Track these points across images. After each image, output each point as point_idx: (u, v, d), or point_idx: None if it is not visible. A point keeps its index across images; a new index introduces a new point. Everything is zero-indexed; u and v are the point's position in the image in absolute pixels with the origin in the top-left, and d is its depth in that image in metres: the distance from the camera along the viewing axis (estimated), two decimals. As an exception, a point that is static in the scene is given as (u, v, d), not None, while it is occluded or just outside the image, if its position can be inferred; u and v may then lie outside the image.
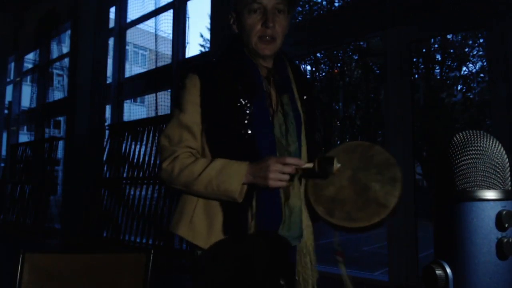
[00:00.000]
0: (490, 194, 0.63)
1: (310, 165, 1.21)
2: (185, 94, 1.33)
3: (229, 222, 1.25)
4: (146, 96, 5.90)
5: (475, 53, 15.35)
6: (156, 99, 5.06)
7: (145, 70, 6.24)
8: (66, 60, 5.63)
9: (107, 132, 5.12)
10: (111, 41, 5.36)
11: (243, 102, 1.30)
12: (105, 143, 5.03)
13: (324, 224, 1.25)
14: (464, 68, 16.85)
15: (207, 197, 1.27)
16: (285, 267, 1.30)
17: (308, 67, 18.36)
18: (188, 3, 4.62)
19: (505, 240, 0.61)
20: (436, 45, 15.44)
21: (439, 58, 15.77)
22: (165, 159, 1.31)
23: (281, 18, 1.34)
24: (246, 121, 1.30)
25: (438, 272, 0.63)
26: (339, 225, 1.19)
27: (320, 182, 1.25)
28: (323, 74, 18.39)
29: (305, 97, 1.43)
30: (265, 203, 1.25)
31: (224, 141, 1.30)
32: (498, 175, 0.64)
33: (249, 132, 1.29)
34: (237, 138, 1.29)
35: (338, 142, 18.33)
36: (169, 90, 5.08)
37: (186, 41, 4.71)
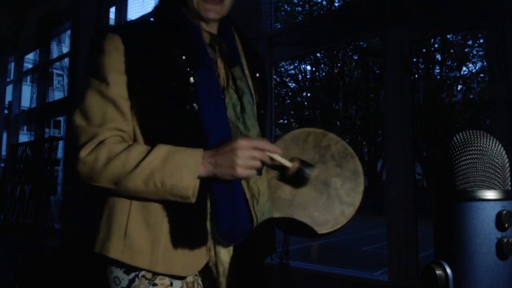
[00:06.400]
0: (490, 194, 0.63)
1: (287, 163, 0.96)
2: (104, 59, 0.97)
3: (180, 230, 0.93)
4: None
5: (475, 53, 15.37)
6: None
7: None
8: (66, 60, 5.63)
9: (107, 132, 5.11)
10: (111, 41, 5.37)
11: (186, 70, 0.98)
12: (105, 143, 5.03)
13: None
14: (464, 68, 16.87)
15: (145, 198, 0.93)
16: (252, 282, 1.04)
17: (308, 67, 18.37)
18: (188, 3, 4.62)
19: (505, 240, 0.61)
20: (436, 45, 15.46)
21: (439, 58, 15.78)
22: (83, 145, 0.93)
23: None
24: (190, 94, 0.97)
25: (438, 272, 0.63)
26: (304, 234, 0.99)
27: (273, 181, 1.02)
28: (323, 74, 18.40)
29: (257, 75, 1.15)
30: (225, 201, 0.95)
31: (162, 120, 0.96)
32: (498, 175, 0.64)
33: (195, 106, 0.96)
34: (180, 116, 0.96)
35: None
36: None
37: (186, 41, 4.69)
